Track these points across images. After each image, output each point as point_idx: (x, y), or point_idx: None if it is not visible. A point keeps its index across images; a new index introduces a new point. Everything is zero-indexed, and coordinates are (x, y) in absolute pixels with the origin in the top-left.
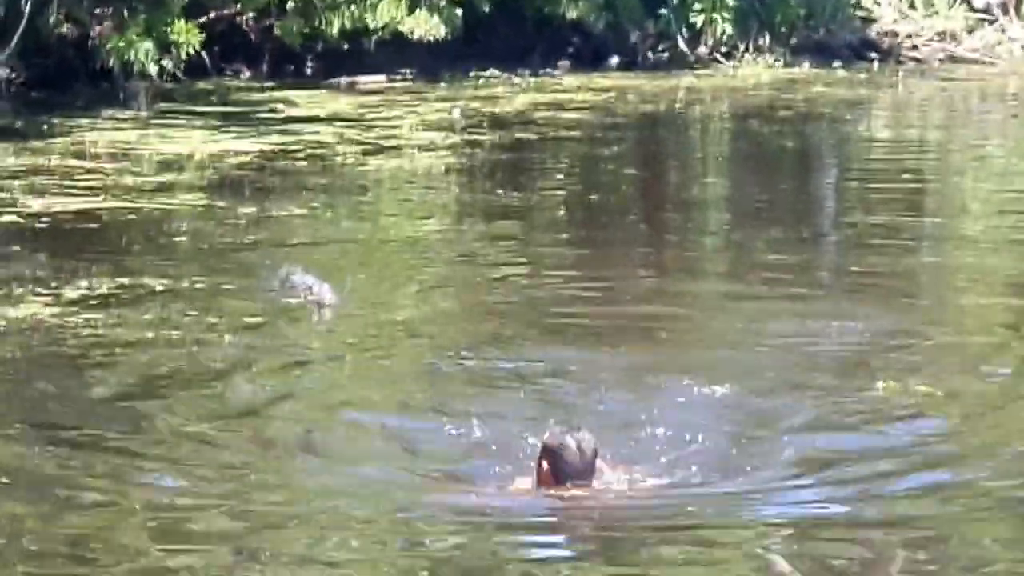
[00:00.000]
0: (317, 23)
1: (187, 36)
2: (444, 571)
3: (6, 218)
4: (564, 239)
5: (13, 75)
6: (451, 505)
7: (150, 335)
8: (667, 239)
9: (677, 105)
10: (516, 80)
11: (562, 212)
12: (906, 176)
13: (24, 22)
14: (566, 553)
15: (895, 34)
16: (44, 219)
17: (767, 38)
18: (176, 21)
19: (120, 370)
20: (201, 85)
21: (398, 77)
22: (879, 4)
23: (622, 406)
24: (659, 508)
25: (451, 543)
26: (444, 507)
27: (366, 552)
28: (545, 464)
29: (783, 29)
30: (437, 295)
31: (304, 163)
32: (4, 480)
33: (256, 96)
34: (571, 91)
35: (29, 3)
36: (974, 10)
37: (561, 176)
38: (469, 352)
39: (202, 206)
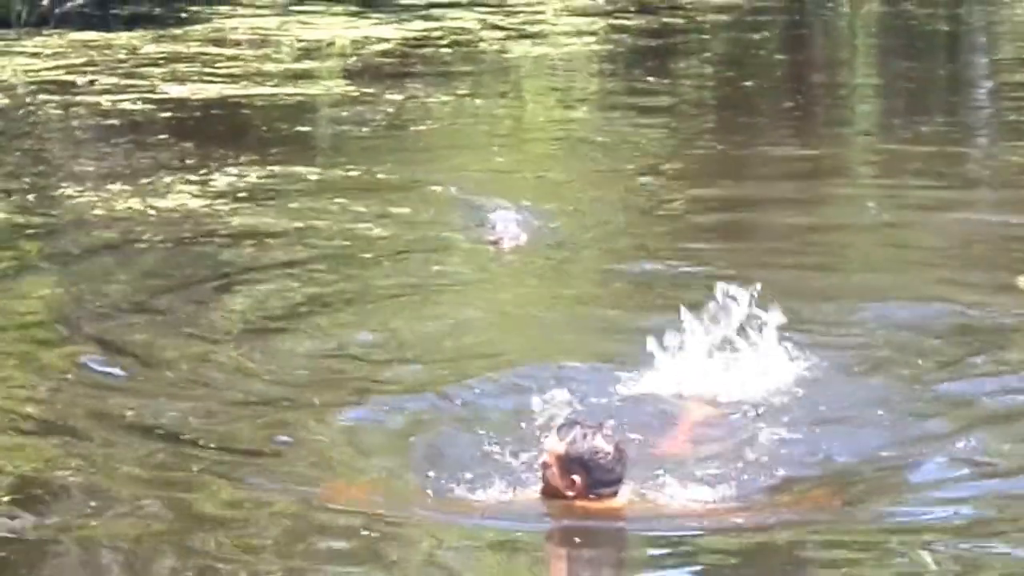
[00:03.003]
0: None
1: None
2: None
3: (148, 106)
4: (717, 127)
5: None
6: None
7: (301, 227)
8: (820, 129)
9: None
10: None
11: (713, 99)
12: None
13: None
14: None
15: None
16: (186, 107)
17: None
18: None
19: (272, 265)
20: None
21: None
22: None
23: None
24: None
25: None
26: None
27: None
28: (577, 479)
29: None
30: (593, 198)
31: (447, 49)
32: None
33: None
34: None
35: None
36: None
37: (710, 62)
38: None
39: (346, 93)
